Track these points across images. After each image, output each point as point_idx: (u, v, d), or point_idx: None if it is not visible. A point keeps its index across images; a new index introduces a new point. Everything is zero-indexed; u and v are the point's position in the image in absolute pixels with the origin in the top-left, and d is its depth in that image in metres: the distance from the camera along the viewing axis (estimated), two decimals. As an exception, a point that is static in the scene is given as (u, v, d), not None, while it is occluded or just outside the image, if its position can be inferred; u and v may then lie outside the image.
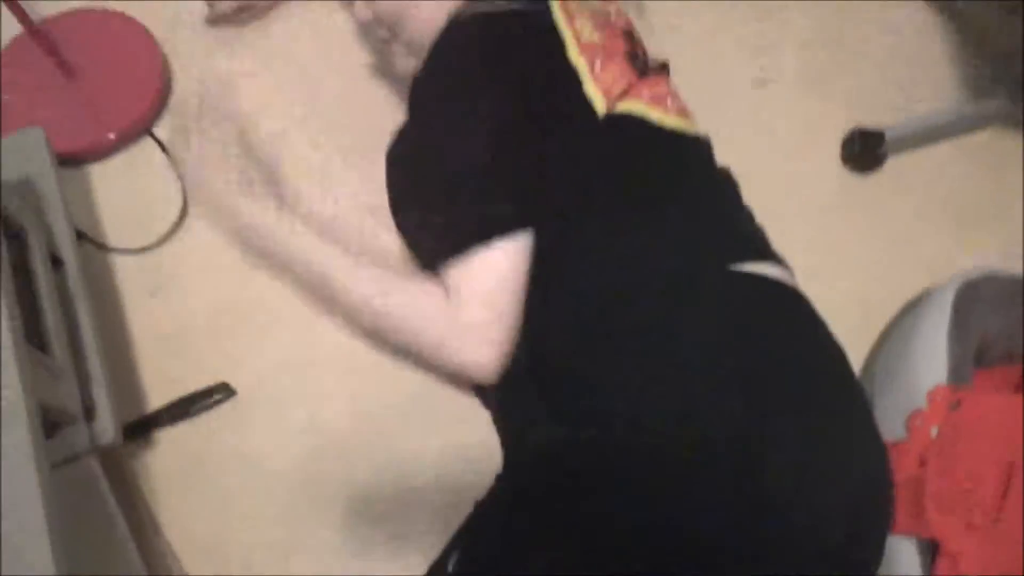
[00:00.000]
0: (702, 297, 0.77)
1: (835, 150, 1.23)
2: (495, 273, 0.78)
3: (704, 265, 0.79)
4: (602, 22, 0.88)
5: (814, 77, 1.30)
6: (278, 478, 1.01)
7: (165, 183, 1.18)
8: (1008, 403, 0.89)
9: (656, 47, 1.11)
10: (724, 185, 0.90)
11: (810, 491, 0.69)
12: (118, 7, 1.29)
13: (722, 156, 1.21)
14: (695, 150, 0.89)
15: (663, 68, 0.94)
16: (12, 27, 1.16)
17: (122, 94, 1.21)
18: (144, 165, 1.20)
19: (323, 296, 0.88)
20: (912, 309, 1.03)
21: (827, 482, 0.70)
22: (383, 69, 1.21)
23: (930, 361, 0.91)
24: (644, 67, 0.89)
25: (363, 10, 0.97)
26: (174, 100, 1.24)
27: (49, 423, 0.78)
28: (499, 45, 0.83)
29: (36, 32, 1.12)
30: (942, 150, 1.23)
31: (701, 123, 1.22)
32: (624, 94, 0.83)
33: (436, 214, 0.82)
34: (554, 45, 0.82)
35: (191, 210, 1.15)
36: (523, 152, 0.80)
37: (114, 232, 1.14)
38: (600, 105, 0.81)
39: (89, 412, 0.86)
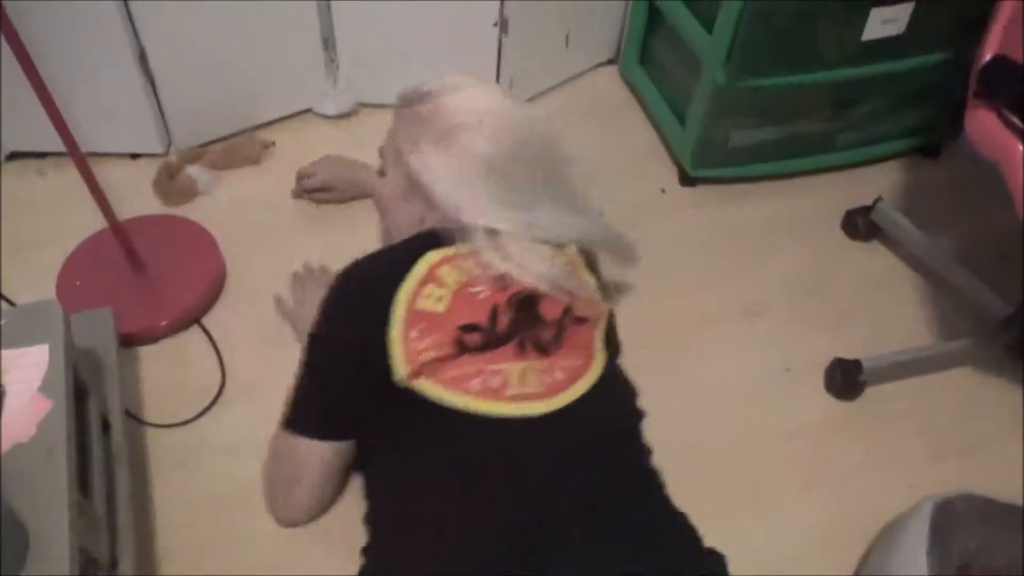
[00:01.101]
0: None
1: (817, 377, 1.34)
2: (305, 456, 1.02)
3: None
4: (471, 284, 0.95)
5: (799, 313, 1.45)
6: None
7: (204, 368, 1.30)
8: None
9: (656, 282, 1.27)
10: (549, 469, 0.90)
11: None
12: (194, 217, 1.49)
13: (715, 380, 1.33)
14: (494, 432, 0.90)
15: (523, 344, 0.94)
16: (94, 224, 1.35)
17: (180, 288, 1.36)
18: (189, 351, 1.32)
19: None
20: (892, 525, 1.09)
21: None
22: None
23: (910, 570, 0.97)
24: (483, 342, 0.92)
25: None
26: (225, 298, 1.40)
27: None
28: (345, 291, 0.99)
29: (118, 229, 1.28)
30: (917, 383, 1.35)
31: (698, 348, 1.35)
32: (428, 369, 0.90)
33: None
34: (384, 308, 0.93)
35: (224, 395, 1.26)
36: (328, 386, 1.00)
37: (153, 407, 1.24)
38: (401, 370, 0.90)
39: (113, 565, 0.91)
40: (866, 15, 1.41)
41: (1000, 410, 1.33)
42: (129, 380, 1.27)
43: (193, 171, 1.57)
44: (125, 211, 1.46)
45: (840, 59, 1.49)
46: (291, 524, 1.09)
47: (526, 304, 0.96)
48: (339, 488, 1.10)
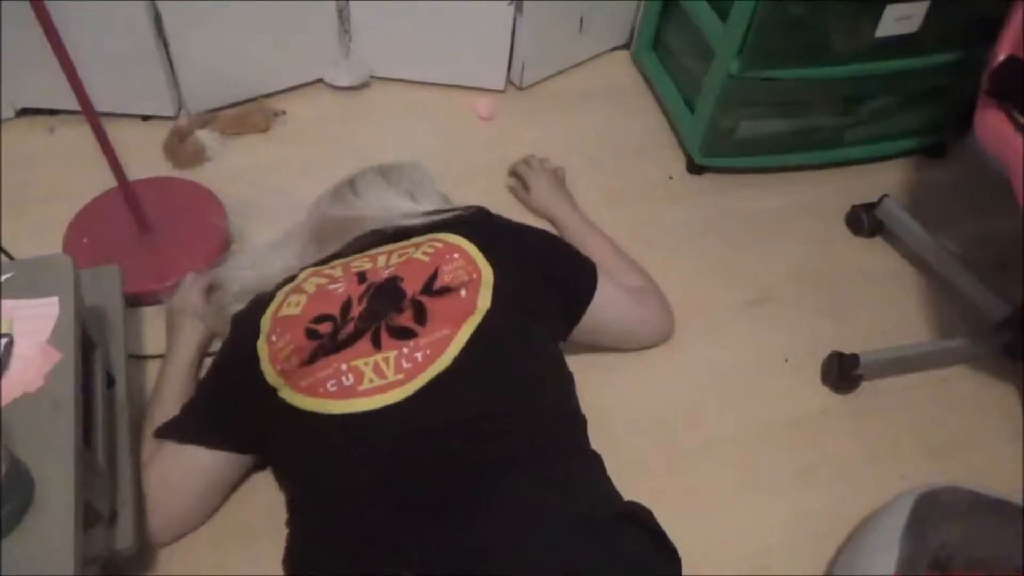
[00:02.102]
0: None
1: (815, 369, 1.36)
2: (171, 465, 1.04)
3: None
4: (331, 283, 1.05)
5: (800, 304, 1.46)
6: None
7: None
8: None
9: (659, 268, 1.28)
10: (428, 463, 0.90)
11: None
12: (202, 181, 1.50)
13: (716, 366, 1.34)
14: (355, 428, 0.92)
15: (377, 335, 0.97)
16: (102, 183, 1.35)
17: (185, 250, 1.37)
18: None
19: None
20: (873, 513, 1.11)
21: None
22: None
23: (882, 554, 0.98)
24: (333, 330, 0.98)
25: None
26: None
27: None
28: (240, 313, 1.11)
29: (127, 188, 1.28)
30: (912, 380, 1.36)
31: (697, 335, 1.36)
32: (291, 377, 0.97)
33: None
34: (257, 322, 1.04)
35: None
36: (213, 396, 1.07)
37: (156, 367, 1.24)
38: (271, 375, 0.99)
39: (112, 517, 0.92)
40: (881, 11, 1.41)
41: (995, 409, 1.34)
42: (133, 338, 1.28)
43: (203, 136, 1.57)
44: (134, 172, 1.46)
45: (853, 54, 1.49)
46: (163, 536, 1.06)
47: (383, 290, 1.02)
48: (212, 507, 1.10)
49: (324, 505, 0.92)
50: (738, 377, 1.34)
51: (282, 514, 1.00)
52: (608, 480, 0.97)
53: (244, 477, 1.12)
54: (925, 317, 1.47)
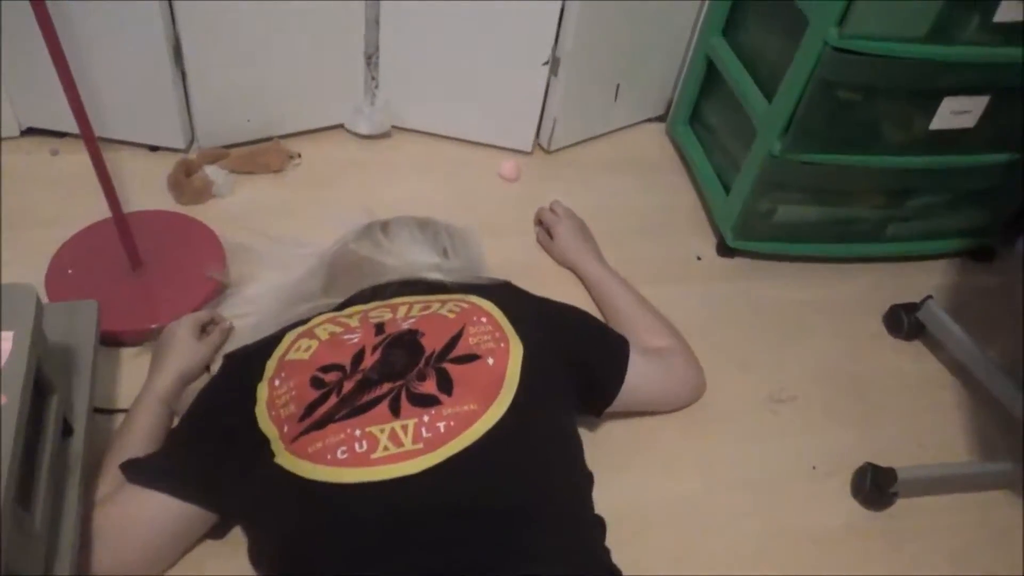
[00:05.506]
0: None
1: (844, 479, 1.23)
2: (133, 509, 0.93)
3: None
4: (346, 333, 0.97)
5: (829, 406, 1.34)
6: None
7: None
8: None
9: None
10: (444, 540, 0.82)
11: None
12: (205, 219, 1.42)
13: (734, 467, 1.22)
14: (366, 498, 0.84)
15: (395, 402, 0.89)
16: (102, 212, 1.27)
17: (176, 291, 1.28)
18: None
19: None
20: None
21: None
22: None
23: None
24: (339, 380, 0.91)
25: None
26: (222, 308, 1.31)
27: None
28: (224, 369, 1.03)
29: (121, 219, 1.20)
30: (950, 501, 1.24)
31: (717, 430, 1.25)
32: (295, 443, 0.87)
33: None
34: (262, 364, 0.96)
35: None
36: (197, 438, 0.97)
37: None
38: (265, 426, 0.90)
39: (45, 588, 0.81)
40: (938, 103, 1.34)
41: (1040, 545, 1.21)
42: (104, 382, 1.18)
43: (211, 171, 1.50)
44: (134, 203, 1.39)
45: (903, 145, 1.41)
46: None
47: (399, 343, 0.95)
48: (169, 561, 0.98)
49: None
50: (758, 480, 1.22)
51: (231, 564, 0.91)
52: None
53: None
54: (964, 432, 1.35)
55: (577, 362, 1.07)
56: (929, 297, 1.44)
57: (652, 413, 1.25)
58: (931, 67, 1.27)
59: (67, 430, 0.94)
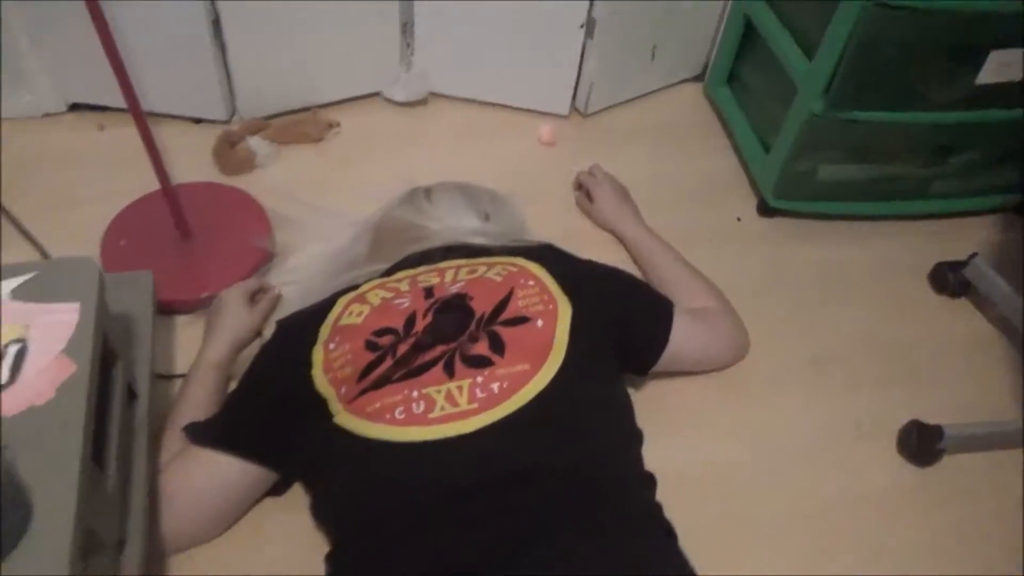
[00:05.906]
0: None
1: (890, 438, 1.24)
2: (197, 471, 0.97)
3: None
4: (396, 298, 0.99)
5: (874, 366, 1.34)
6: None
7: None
8: None
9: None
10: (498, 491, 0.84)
11: None
12: (249, 189, 1.44)
13: (778, 430, 1.23)
14: (423, 457, 0.86)
15: (451, 363, 0.91)
16: (150, 185, 1.30)
17: (225, 260, 1.31)
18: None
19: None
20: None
21: None
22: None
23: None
24: (393, 343, 0.93)
25: None
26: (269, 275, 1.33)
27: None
28: (279, 336, 1.04)
29: (170, 192, 1.23)
30: (996, 458, 1.23)
31: (760, 393, 1.26)
32: (354, 403, 0.90)
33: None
34: (316, 329, 0.98)
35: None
36: (255, 399, 1.00)
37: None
38: (323, 388, 0.92)
39: (120, 544, 0.85)
40: (983, 57, 1.31)
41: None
42: (162, 349, 1.21)
43: (254, 142, 1.52)
44: (180, 175, 1.42)
45: (948, 101, 1.38)
46: (178, 544, 0.98)
47: (449, 306, 0.97)
48: (231, 521, 1.02)
49: (375, 532, 0.86)
50: (803, 443, 1.23)
51: (290, 520, 0.99)
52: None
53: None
54: (1011, 389, 1.34)
55: (622, 322, 1.08)
56: (975, 254, 1.43)
57: (695, 373, 1.26)
58: (976, 19, 1.24)
59: (131, 396, 0.97)
